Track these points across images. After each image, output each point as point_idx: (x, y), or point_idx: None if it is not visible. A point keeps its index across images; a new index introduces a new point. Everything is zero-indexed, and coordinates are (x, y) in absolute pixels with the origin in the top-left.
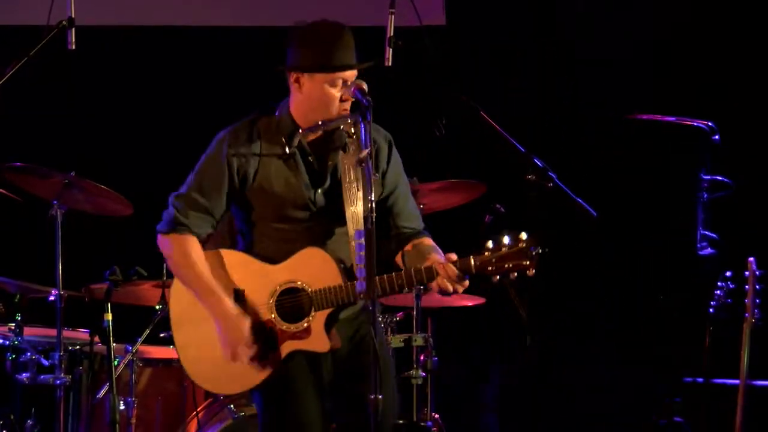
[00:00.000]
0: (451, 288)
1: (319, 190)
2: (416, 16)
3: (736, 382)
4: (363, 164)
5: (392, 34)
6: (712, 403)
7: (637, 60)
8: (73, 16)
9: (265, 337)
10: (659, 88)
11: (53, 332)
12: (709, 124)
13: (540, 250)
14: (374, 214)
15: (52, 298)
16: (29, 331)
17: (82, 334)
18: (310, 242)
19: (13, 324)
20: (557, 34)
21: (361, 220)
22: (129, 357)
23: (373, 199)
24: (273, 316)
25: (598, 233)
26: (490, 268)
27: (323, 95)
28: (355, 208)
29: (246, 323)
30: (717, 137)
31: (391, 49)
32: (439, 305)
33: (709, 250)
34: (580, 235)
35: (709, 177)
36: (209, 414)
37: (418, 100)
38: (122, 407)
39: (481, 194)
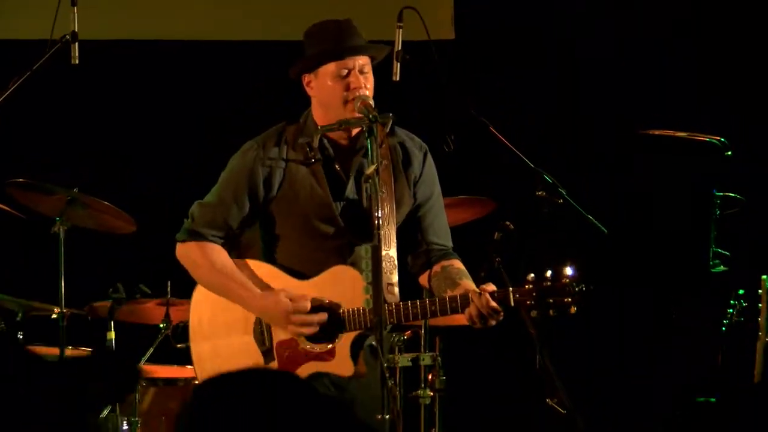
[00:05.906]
0: (480, 322)
1: (343, 202)
2: (425, 30)
3: None
4: (369, 181)
5: (400, 48)
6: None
7: (647, 71)
8: (76, 30)
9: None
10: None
11: (56, 351)
12: (722, 139)
13: (584, 288)
14: (380, 231)
15: (54, 316)
16: (31, 350)
17: (85, 352)
18: (338, 260)
19: None
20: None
21: (392, 239)
22: None
23: (379, 215)
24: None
25: (608, 250)
26: (529, 302)
27: (329, 91)
28: (387, 227)
29: (287, 299)
30: (729, 153)
31: (399, 64)
32: (447, 324)
33: (721, 268)
34: (591, 251)
35: (721, 193)
36: None
37: (426, 115)
38: (125, 427)
39: (491, 211)
